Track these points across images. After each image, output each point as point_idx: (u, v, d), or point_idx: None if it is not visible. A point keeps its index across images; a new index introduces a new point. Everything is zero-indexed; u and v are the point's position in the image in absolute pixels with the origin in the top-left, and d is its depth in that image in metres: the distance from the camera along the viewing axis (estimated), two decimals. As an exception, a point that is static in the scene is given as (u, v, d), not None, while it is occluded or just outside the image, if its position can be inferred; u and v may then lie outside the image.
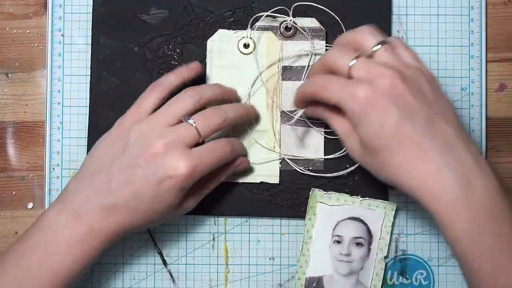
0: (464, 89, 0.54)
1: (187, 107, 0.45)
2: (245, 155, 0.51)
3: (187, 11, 0.53)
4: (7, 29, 0.55)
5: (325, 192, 0.52)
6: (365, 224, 0.51)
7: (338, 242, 0.51)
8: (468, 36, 0.54)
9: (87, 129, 0.53)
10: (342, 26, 0.52)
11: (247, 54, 0.53)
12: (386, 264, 0.52)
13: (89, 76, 0.53)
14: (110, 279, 0.53)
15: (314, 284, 0.51)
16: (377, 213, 0.52)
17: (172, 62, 0.53)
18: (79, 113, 0.54)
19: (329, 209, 0.51)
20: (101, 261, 0.53)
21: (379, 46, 0.42)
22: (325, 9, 0.52)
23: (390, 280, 0.52)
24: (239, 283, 0.53)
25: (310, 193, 0.52)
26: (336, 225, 0.51)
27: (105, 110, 0.53)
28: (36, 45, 0.55)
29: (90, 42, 0.54)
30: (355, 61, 0.41)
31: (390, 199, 0.53)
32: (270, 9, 0.52)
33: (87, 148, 0.53)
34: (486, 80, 0.54)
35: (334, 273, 0.51)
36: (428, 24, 0.54)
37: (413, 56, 0.43)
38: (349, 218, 0.51)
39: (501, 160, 0.54)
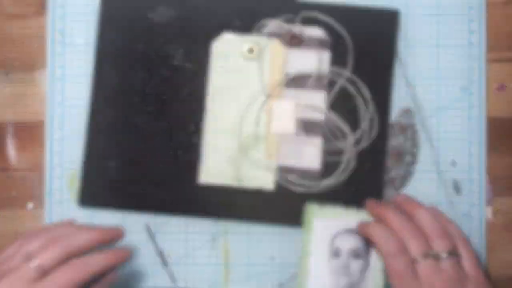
0: (464, 89, 0.54)
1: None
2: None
3: (192, 12, 0.53)
4: (7, 29, 0.55)
5: (321, 206, 0.51)
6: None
7: (336, 255, 0.50)
8: (468, 36, 0.54)
9: (87, 129, 0.53)
10: (348, 38, 0.52)
11: (252, 59, 0.53)
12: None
13: (89, 76, 0.53)
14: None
15: None
16: None
17: (175, 62, 0.53)
18: (79, 113, 0.54)
19: (325, 222, 0.50)
20: (101, 261, 0.53)
21: (447, 255, 0.45)
22: (332, 21, 0.52)
23: None
24: (239, 283, 0.53)
25: (306, 208, 0.51)
26: (333, 238, 0.50)
27: (105, 110, 0.53)
28: (36, 45, 0.55)
29: (90, 42, 0.54)
30: (422, 259, 0.44)
31: (390, 199, 0.53)
32: (277, 15, 0.52)
33: (87, 148, 0.53)
34: (486, 80, 0.54)
35: (334, 286, 0.50)
36: (428, 24, 0.54)
37: (475, 263, 0.45)
38: (346, 231, 0.51)
39: (501, 160, 0.54)
